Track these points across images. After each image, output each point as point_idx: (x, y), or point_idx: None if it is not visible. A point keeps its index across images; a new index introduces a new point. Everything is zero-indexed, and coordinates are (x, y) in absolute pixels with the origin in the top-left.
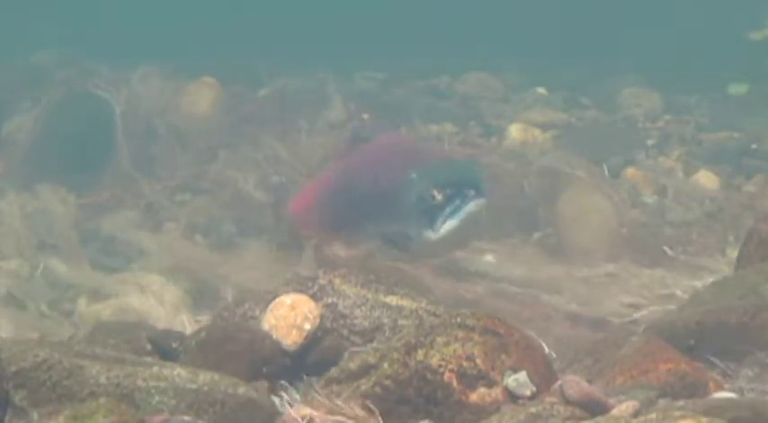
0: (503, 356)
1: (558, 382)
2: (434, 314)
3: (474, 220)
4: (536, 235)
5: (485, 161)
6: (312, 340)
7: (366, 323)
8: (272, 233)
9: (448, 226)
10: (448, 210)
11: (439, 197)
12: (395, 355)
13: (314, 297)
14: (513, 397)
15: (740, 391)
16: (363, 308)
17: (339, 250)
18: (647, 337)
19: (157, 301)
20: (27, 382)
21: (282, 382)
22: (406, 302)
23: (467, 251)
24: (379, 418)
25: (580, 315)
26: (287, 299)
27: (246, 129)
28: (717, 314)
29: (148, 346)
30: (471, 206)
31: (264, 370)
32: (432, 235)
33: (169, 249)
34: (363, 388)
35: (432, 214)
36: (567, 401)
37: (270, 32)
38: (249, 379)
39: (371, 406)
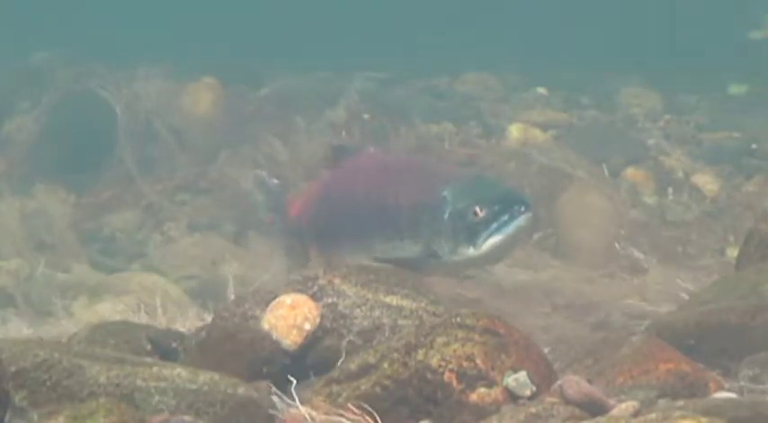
0: (503, 356)
1: (558, 382)
2: (434, 314)
3: (520, 235)
4: (536, 235)
5: (485, 161)
6: (312, 340)
7: (366, 323)
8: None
9: (492, 242)
10: (493, 226)
11: (481, 213)
12: (395, 355)
13: (314, 297)
14: (513, 397)
15: (740, 391)
16: (363, 308)
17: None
18: (647, 337)
19: (156, 301)
20: (27, 382)
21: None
22: (406, 302)
23: None
24: (378, 420)
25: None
26: (287, 299)
27: (247, 129)
28: (717, 314)
29: (148, 346)
30: (521, 221)
31: (264, 370)
32: (471, 252)
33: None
34: (363, 388)
35: (474, 231)
36: (567, 401)
37: (270, 32)
38: (249, 379)
39: (369, 409)
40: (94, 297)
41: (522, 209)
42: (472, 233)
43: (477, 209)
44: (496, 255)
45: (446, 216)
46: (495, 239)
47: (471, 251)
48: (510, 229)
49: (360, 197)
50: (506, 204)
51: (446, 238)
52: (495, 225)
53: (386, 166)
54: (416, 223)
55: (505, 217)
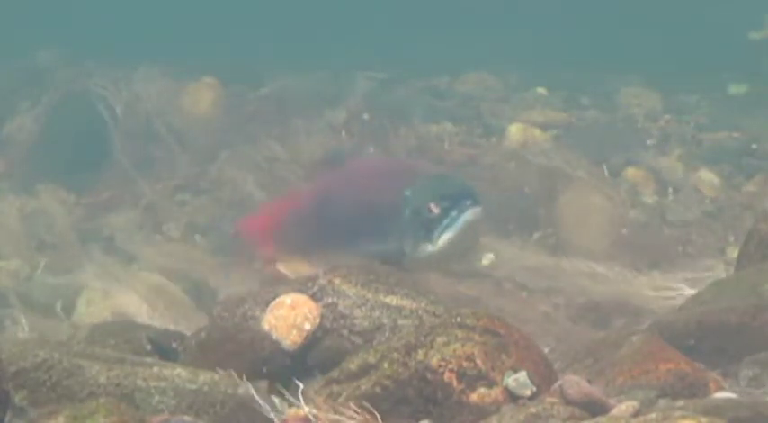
0: (503, 356)
1: (558, 382)
2: (434, 314)
3: (472, 229)
4: (536, 235)
5: (485, 161)
6: (312, 340)
7: (366, 323)
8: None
9: (445, 238)
10: (445, 222)
11: (436, 210)
12: (395, 355)
13: (314, 297)
14: (513, 397)
15: (740, 391)
16: (363, 308)
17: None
18: (647, 337)
19: (156, 302)
20: (27, 382)
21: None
22: (406, 302)
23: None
24: (379, 420)
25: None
26: (287, 299)
27: (247, 129)
28: (717, 314)
29: (148, 346)
30: (468, 215)
31: (264, 370)
32: (430, 248)
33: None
34: (363, 388)
35: (429, 228)
36: (567, 401)
37: (271, 32)
38: (249, 379)
39: (370, 408)
40: (94, 297)
41: (469, 203)
42: (428, 230)
43: (432, 206)
44: (454, 250)
45: (406, 214)
46: (448, 235)
47: (430, 248)
48: (459, 223)
49: (344, 201)
50: (454, 200)
51: (408, 236)
52: (446, 221)
53: (363, 170)
54: (391, 223)
55: (454, 212)
